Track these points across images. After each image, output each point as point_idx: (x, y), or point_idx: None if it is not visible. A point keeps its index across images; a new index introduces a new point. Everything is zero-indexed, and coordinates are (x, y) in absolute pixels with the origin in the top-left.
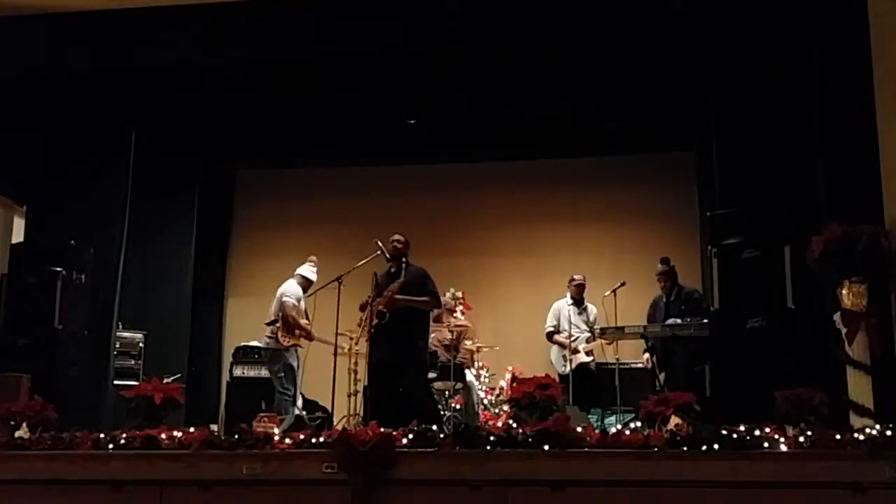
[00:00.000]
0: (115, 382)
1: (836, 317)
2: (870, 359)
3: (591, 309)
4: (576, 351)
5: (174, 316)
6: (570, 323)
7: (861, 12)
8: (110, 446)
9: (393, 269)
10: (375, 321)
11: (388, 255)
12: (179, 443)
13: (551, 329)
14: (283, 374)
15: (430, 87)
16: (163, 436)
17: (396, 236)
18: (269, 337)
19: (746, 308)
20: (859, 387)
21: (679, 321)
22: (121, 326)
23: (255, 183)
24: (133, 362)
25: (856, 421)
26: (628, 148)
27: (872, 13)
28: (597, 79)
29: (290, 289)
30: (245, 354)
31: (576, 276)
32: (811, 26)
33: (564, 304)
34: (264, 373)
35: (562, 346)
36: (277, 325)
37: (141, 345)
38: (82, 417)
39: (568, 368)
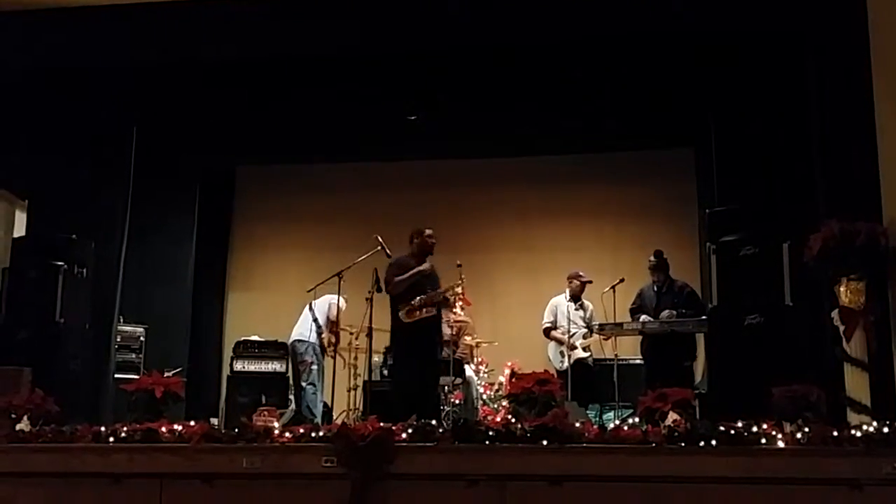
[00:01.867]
0: (116, 376)
1: (834, 314)
2: (867, 356)
3: (588, 305)
4: (573, 347)
5: (175, 310)
6: (568, 319)
7: (860, 9)
8: (111, 439)
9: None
10: (433, 311)
11: (387, 251)
12: (180, 436)
13: (548, 325)
14: (315, 367)
15: (430, 84)
16: (163, 429)
17: (430, 231)
18: (316, 333)
19: (744, 305)
20: (856, 384)
21: (675, 313)
22: (122, 320)
23: (255, 178)
24: (134, 356)
25: (853, 418)
26: (628, 144)
27: (871, 10)
28: (596, 75)
29: (335, 297)
30: (246, 349)
31: (582, 274)
32: (810, 24)
33: (562, 301)
34: (264, 367)
35: (559, 342)
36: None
37: (142, 339)
38: (83, 411)
39: (566, 364)
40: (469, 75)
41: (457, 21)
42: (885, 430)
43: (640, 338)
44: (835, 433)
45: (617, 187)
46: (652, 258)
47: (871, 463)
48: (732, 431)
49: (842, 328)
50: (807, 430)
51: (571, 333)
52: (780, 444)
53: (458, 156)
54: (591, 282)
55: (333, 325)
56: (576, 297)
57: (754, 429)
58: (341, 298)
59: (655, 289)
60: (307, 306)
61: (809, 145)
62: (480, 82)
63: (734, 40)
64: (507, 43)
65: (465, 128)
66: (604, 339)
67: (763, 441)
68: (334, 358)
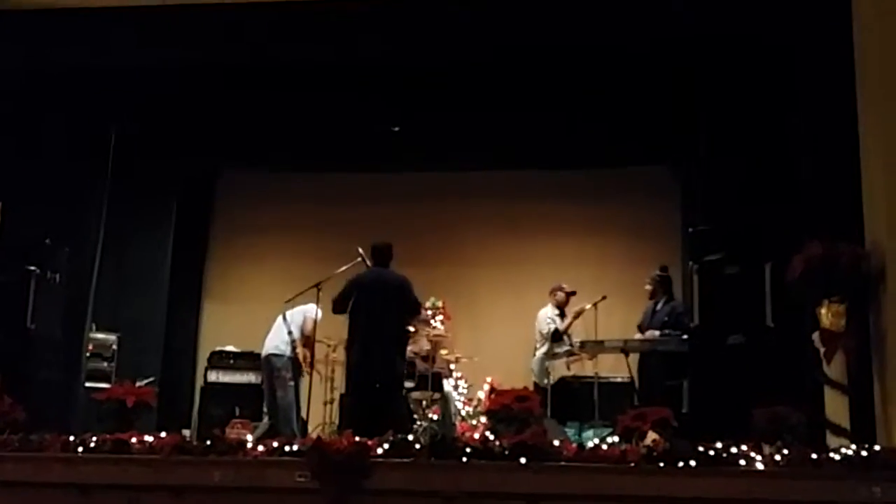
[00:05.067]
0: (87, 385)
1: (815, 336)
2: (847, 379)
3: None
4: (581, 311)
5: (149, 319)
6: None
7: (846, 30)
8: (80, 450)
9: None
10: None
11: (368, 263)
12: (150, 447)
13: (553, 328)
14: (293, 384)
15: (414, 96)
16: (133, 440)
17: None
18: (292, 347)
19: (726, 324)
20: (836, 406)
21: (657, 334)
22: (94, 328)
23: (235, 187)
24: (106, 364)
25: (832, 440)
26: (613, 162)
27: (857, 30)
28: (583, 92)
29: (312, 308)
30: (220, 359)
31: (564, 286)
32: (794, 43)
33: (553, 313)
34: (239, 378)
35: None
36: (297, 339)
37: (114, 347)
38: (52, 419)
39: (550, 381)
40: (453, 88)
41: (443, 34)
42: (864, 453)
43: (621, 355)
44: (814, 456)
45: (601, 204)
46: (654, 274)
47: (850, 486)
48: (711, 452)
49: (822, 350)
50: (786, 452)
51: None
52: (759, 466)
53: (440, 169)
54: (574, 293)
55: (308, 339)
56: (561, 311)
57: (733, 450)
58: (317, 309)
59: (654, 306)
60: (280, 317)
61: (793, 166)
62: (464, 96)
63: (720, 59)
64: (493, 57)
65: (448, 141)
66: (588, 359)
67: (742, 462)
68: (311, 375)
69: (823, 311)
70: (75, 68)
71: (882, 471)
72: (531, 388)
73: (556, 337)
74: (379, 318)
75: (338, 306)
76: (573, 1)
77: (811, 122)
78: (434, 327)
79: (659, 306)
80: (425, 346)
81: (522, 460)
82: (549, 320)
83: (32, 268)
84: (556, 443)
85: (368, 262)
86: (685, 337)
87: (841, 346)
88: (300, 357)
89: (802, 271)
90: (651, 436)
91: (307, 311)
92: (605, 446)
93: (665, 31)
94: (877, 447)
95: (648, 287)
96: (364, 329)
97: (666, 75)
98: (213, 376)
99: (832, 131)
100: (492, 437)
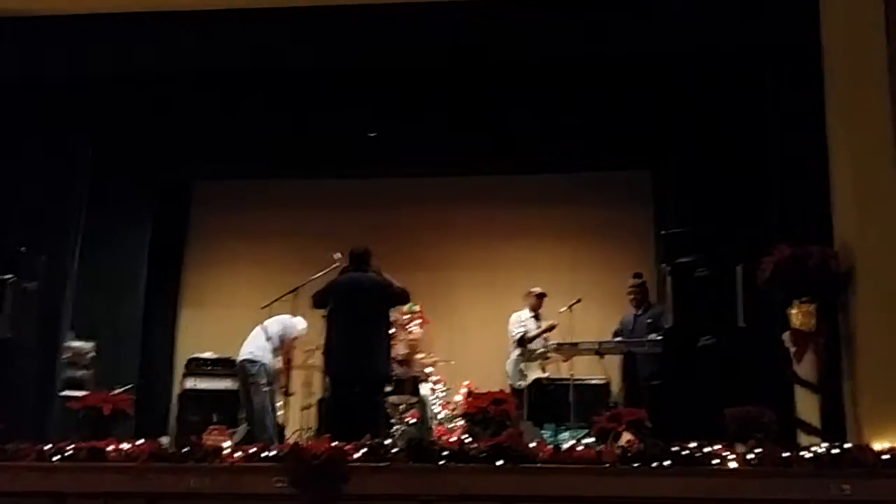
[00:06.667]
0: (64, 393)
1: (786, 336)
2: (817, 378)
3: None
4: (552, 327)
5: (126, 326)
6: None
7: (815, 41)
8: (56, 458)
9: None
10: None
11: (345, 266)
12: (127, 455)
13: (522, 333)
14: (267, 389)
15: (390, 101)
16: (110, 448)
17: None
18: (264, 351)
19: (698, 326)
20: (807, 405)
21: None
22: (71, 336)
23: (211, 193)
24: (82, 372)
25: (803, 439)
26: (588, 165)
27: (826, 42)
28: (558, 97)
29: (290, 321)
30: (198, 366)
31: (532, 290)
32: (767, 53)
33: (526, 316)
34: (216, 385)
35: (549, 329)
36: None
37: (91, 355)
38: (28, 428)
39: (524, 383)
40: (430, 94)
41: (419, 39)
42: (834, 451)
43: (596, 357)
44: (785, 454)
45: (576, 208)
46: (632, 279)
47: (820, 484)
48: (685, 452)
49: (793, 350)
50: (758, 450)
51: (539, 350)
52: (732, 465)
53: (416, 174)
54: (545, 294)
55: (288, 353)
56: (536, 314)
57: (707, 449)
58: (300, 319)
59: (635, 312)
60: (259, 326)
61: (764, 170)
62: (441, 101)
63: (693, 66)
64: (468, 62)
65: (424, 146)
66: (563, 361)
67: (715, 461)
68: (285, 394)
69: (794, 311)
70: (52, 77)
71: (852, 468)
72: (508, 390)
73: (522, 343)
74: (357, 322)
75: (317, 302)
76: (549, 13)
77: (781, 127)
78: (411, 331)
79: (640, 313)
80: (402, 350)
81: (499, 463)
82: (520, 324)
83: (8, 276)
84: (532, 445)
85: (347, 266)
86: (659, 338)
87: (811, 345)
88: (279, 365)
89: (773, 272)
90: (626, 437)
91: (286, 321)
92: (580, 448)
93: (640, 43)
94: (847, 445)
95: (633, 297)
96: (343, 334)
97: (640, 83)
98: (190, 383)
99: (801, 136)
100: (469, 440)
